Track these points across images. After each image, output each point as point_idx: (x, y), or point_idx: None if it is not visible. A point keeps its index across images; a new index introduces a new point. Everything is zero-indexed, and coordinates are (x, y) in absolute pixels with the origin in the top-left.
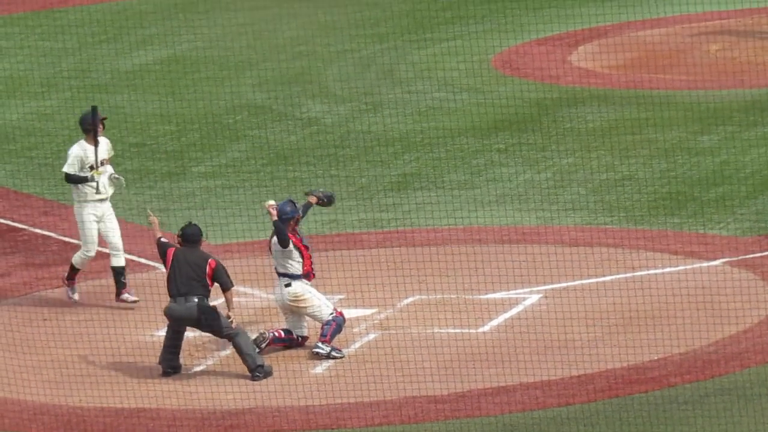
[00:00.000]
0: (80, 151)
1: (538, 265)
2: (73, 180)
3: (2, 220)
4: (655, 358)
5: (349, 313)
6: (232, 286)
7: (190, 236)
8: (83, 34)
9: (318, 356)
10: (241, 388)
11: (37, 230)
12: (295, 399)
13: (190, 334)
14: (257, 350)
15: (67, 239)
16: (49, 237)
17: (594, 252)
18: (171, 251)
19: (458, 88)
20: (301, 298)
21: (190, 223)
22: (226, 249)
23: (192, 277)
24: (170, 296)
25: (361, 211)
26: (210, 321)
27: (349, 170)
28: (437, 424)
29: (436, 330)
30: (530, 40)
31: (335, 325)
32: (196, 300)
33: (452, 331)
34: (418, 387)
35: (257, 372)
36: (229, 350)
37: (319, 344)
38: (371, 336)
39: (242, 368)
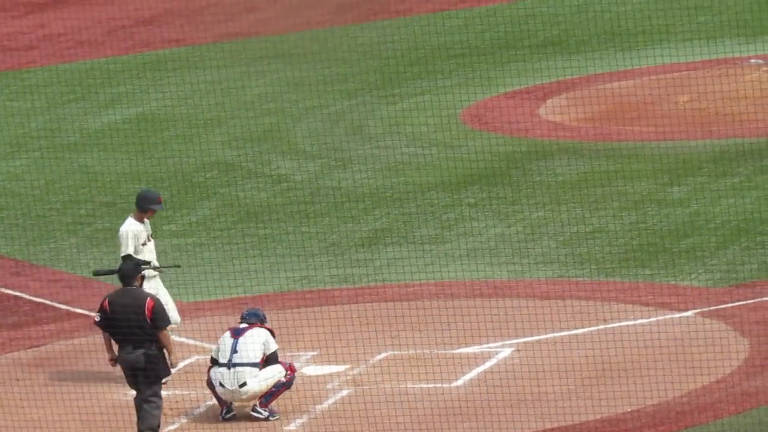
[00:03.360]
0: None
1: (510, 319)
2: (126, 264)
3: None
4: (629, 409)
5: (321, 370)
6: (169, 323)
7: (123, 272)
8: (52, 93)
9: (256, 419)
10: None
11: (8, 291)
12: None
13: (165, 392)
14: (230, 411)
15: (38, 299)
16: (20, 297)
17: (566, 305)
18: (105, 301)
19: (427, 142)
20: (258, 394)
21: (127, 258)
22: (198, 307)
23: (133, 321)
24: (119, 346)
25: (332, 267)
26: (151, 375)
27: (320, 226)
28: None
29: (409, 385)
30: (498, 94)
31: (284, 389)
32: (143, 349)
33: (425, 386)
34: None
35: None
36: (203, 408)
37: (258, 409)
38: (344, 392)
39: (216, 426)
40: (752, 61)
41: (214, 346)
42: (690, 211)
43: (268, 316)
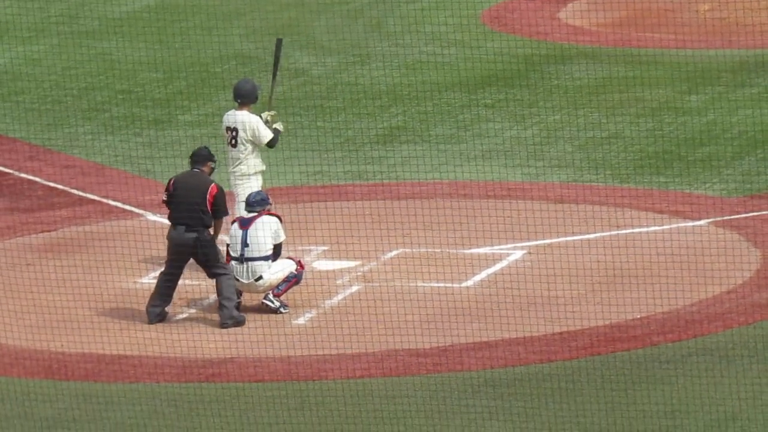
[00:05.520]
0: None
1: (523, 221)
2: (276, 140)
3: None
4: (638, 316)
5: (332, 265)
6: (226, 215)
7: (196, 155)
8: None
9: (266, 307)
10: (223, 338)
11: (23, 175)
12: (277, 349)
13: (180, 281)
14: (238, 300)
15: (52, 184)
16: (34, 182)
17: (579, 209)
18: (171, 181)
19: (446, 42)
20: (273, 284)
21: (203, 146)
22: None
23: (193, 204)
24: (171, 224)
25: (347, 163)
26: (206, 253)
27: (336, 122)
28: (419, 378)
29: (419, 284)
30: None
31: (294, 282)
32: (195, 233)
33: (435, 285)
34: (400, 340)
35: (227, 321)
36: (212, 299)
37: (271, 297)
38: (354, 288)
39: None
40: None
41: (227, 237)
42: (707, 120)
43: (274, 202)
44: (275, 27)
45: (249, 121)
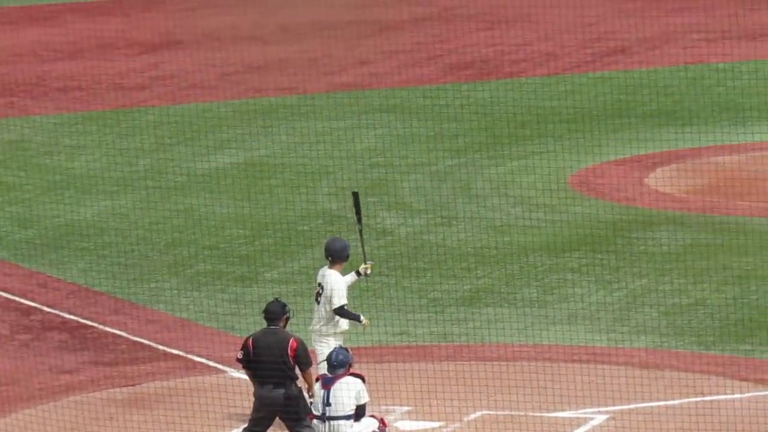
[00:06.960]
0: (345, 279)
1: (607, 386)
2: (347, 315)
3: (73, 317)
4: None
5: (415, 426)
6: (311, 365)
7: (270, 312)
8: (161, 134)
9: None
10: None
11: (107, 328)
12: None
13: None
14: None
15: (136, 339)
16: (118, 336)
17: (663, 375)
18: (249, 340)
19: (534, 205)
20: None
21: (275, 299)
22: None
23: (276, 362)
24: (257, 382)
25: (432, 323)
26: (295, 411)
27: (421, 282)
28: None
29: None
30: (608, 161)
31: None
32: (283, 389)
33: None
34: None
35: None
36: None
37: None
38: None
39: None
40: None
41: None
42: None
43: (355, 358)
44: (362, 186)
45: (332, 281)
